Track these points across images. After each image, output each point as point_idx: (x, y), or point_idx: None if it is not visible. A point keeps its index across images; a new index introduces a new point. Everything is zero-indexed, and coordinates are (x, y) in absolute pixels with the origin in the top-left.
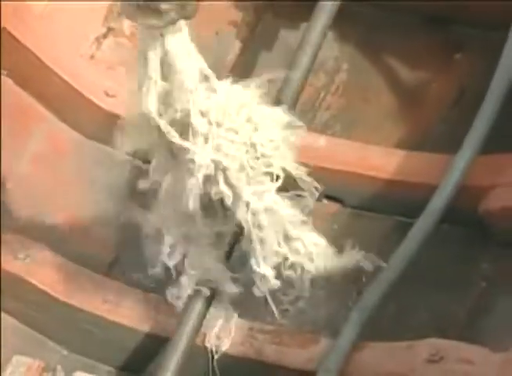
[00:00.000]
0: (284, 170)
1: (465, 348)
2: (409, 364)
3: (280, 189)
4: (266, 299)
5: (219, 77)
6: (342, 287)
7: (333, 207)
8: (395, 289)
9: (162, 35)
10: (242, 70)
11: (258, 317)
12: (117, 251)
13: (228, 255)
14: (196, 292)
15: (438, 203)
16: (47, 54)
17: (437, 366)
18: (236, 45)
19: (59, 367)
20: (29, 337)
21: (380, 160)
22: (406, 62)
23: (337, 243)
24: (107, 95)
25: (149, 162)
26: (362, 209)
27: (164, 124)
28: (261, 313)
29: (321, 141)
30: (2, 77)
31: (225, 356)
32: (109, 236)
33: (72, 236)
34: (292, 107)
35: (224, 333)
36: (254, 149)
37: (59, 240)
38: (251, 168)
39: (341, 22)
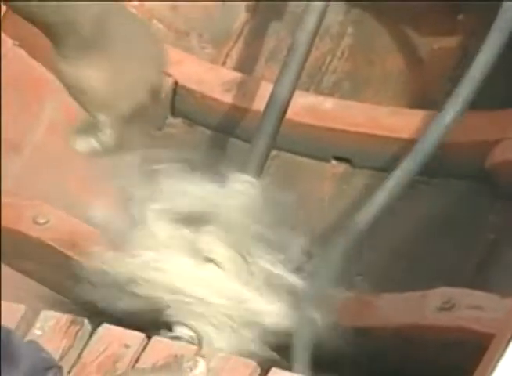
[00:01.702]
0: None
1: (475, 296)
2: (421, 312)
3: None
4: None
5: (226, 46)
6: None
7: (342, 167)
8: (406, 244)
9: None
10: (248, 39)
11: None
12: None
13: None
14: None
15: (417, 157)
16: None
17: (448, 313)
18: (243, 14)
19: (86, 321)
20: (52, 299)
21: (388, 119)
22: (410, 24)
23: (347, 202)
24: None
25: (159, 129)
26: (371, 169)
27: None
28: None
29: (328, 103)
30: (15, 47)
31: None
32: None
33: (87, 202)
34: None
35: None
36: None
37: (75, 205)
38: None
39: None
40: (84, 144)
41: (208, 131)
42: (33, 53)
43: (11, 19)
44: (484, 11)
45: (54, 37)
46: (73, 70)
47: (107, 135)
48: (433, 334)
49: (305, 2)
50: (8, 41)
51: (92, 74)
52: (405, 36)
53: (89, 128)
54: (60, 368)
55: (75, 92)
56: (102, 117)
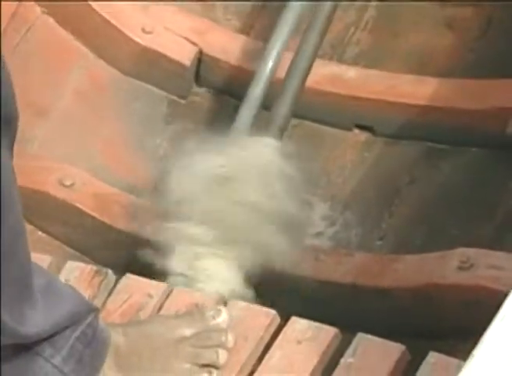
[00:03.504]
0: None
1: (494, 255)
2: (440, 272)
3: None
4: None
5: (250, 18)
6: (374, 209)
7: (364, 135)
8: (427, 210)
9: None
10: (273, 11)
11: None
12: (156, 181)
13: None
14: None
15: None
16: None
17: (467, 272)
18: None
19: (110, 271)
20: (77, 260)
21: (410, 87)
22: None
23: (369, 170)
24: (144, 31)
25: (184, 98)
26: (393, 137)
27: None
28: None
29: (351, 72)
30: (42, 15)
31: None
32: (148, 167)
33: (111, 166)
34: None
35: None
36: None
37: (100, 169)
38: None
39: None
40: None
41: (232, 100)
42: (61, 21)
43: None
44: None
45: None
46: None
47: None
48: (452, 294)
49: None
50: (36, 9)
51: None
52: (428, 8)
53: None
54: (98, 311)
55: None
56: None
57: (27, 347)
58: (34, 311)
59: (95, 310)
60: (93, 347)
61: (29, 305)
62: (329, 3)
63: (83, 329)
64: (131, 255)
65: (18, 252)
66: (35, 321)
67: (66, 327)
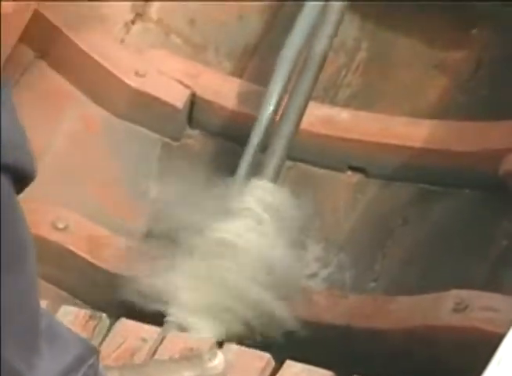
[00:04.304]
0: None
1: (488, 297)
2: (435, 314)
3: None
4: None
5: (242, 60)
6: (368, 251)
7: (357, 177)
8: (420, 251)
9: None
10: (265, 53)
11: None
12: (149, 224)
13: None
14: None
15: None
16: (80, 36)
17: (462, 314)
18: (259, 28)
19: (104, 316)
20: (70, 303)
21: (402, 129)
22: (424, 38)
23: (362, 211)
24: (137, 74)
25: (177, 140)
26: (386, 178)
27: None
28: None
29: (343, 114)
30: (35, 59)
31: None
32: (141, 209)
33: (105, 209)
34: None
35: None
36: None
37: (93, 212)
38: None
39: (360, 1)
40: None
41: (225, 142)
42: (54, 65)
43: (33, 31)
44: (498, 26)
45: None
46: None
47: None
48: (447, 335)
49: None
50: (29, 53)
51: None
52: (419, 50)
53: None
54: (99, 352)
55: None
56: None
57: None
58: (42, 359)
59: (96, 352)
60: None
61: (37, 354)
62: (322, 46)
63: (85, 371)
64: (124, 298)
65: (31, 303)
66: (43, 370)
67: (71, 371)
